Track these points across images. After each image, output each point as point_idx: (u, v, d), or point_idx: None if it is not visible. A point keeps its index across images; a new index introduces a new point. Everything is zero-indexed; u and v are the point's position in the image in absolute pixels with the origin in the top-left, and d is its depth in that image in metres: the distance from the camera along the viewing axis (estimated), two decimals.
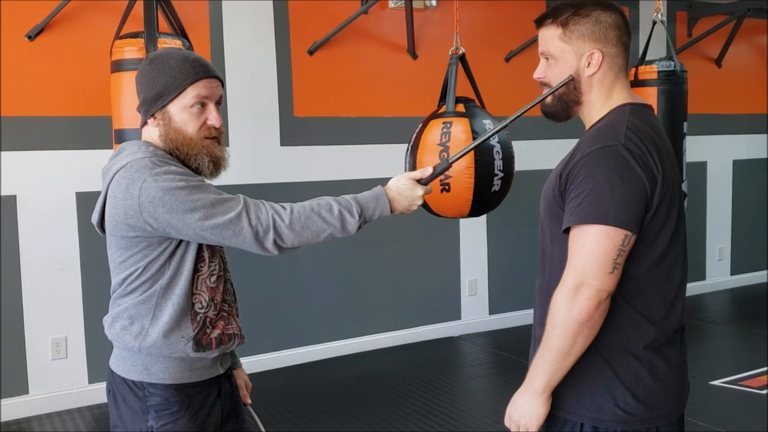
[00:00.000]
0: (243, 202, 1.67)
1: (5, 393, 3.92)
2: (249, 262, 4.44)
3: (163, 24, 3.31)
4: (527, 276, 5.17)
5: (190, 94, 1.71)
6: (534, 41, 5.23)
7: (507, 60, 5.44)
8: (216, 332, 1.76)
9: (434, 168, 1.84)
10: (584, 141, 1.58)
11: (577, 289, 1.46)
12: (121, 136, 3.02)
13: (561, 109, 1.68)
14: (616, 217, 1.46)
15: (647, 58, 4.52)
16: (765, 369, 4.41)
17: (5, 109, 3.87)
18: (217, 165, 1.78)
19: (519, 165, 3.43)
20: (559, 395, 1.56)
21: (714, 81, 6.46)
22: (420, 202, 1.82)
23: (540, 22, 1.67)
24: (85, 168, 4.00)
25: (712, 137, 6.49)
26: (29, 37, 3.89)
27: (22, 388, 3.96)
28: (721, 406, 3.93)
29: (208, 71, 1.75)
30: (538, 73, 1.70)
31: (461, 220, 5.20)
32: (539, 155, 5.25)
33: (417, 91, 4.92)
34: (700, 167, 6.45)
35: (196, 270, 1.73)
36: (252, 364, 4.20)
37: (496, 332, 5.43)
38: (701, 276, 6.62)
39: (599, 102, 1.64)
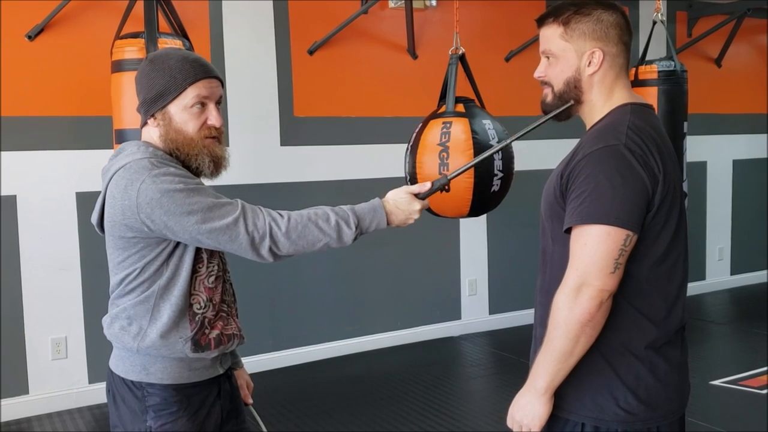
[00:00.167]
0: (241, 207, 1.67)
1: (5, 393, 3.92)
2: (249, 263, 4.43)
3: (163, 24, 3.31)
4: (527, 276, 5.17)
5: (190, 95, 1.71)
6: (534, 41, 5.24)
7: (507, 60, 5.44)
8: (215, 333, 1.76)
9: (432, 183, 1.85)
10: (585, 141, 1.58)
11: (579, 289, 1.46)
12: (121, 136, 3.02)
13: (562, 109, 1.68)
14: (617, 217, 1.46)
15: (647, 57, 4.51)
16: (765, 369, 4.41)
17: (5, 109, 3.87)
18: (218, 165, 1.78)
19: (519, 165, 3.43)
20: (560, 395, 1.56)
21: (714, 81, 6.46)
22: (417, 216, 1.83)
23: (541, 21, 1.67)
24: (84, 168, 4.00)
25: (711, 137, 6.49)
26: (29, 37, 3.89)
27: (22, 388, 3.96)
28: (722, 405, 3.93)
29: (208, 71, 1.75)
30: (538, 72, 1.70)
31: (461, 220, 5.20)
32: (539, 155, 5.25)
33: (417, 91, 4.92)
34: (700, 167, 6.45)
35: (194, 271, 1.73)
36: (252, 364, 4.19)
37: (496, 332, 5.43)
38: (701, 276, 6.62)
39: (600, 101, 1.64)
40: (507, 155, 3.19)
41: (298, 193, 4.62)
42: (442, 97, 3.38)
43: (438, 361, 4.81)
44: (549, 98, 1.69)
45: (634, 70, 4.38)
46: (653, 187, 1.50)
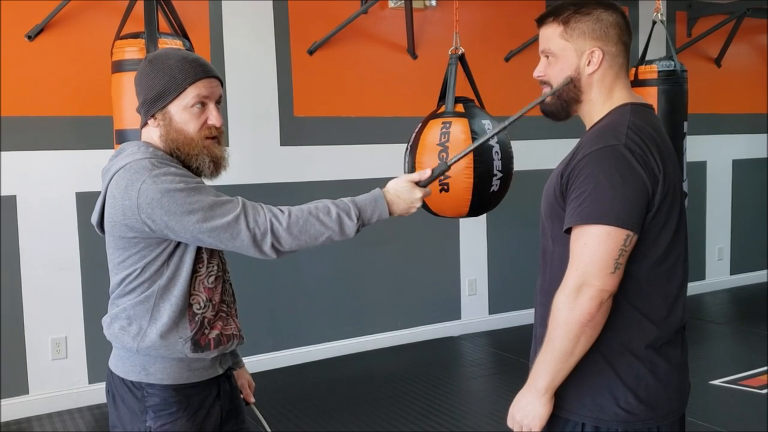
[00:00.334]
0: (241, 205, 1.67)
1: (5, 393, 3.92)
2: (249, 263, 4.42)
3: (163, 24, 3.32)
4: (527, 276, 5.17)
5: (190, 94, 1.71)
6: (534, 41, 5.24)
7: (507, 60, 5.44)
8: (214, 333, 1.76)
9: (433, 170, 1.83)
10: (585, 141, 1.58)
11: (579, 290, 1.46)
12: (122, 137, 3.03)
13: (561, 108, 1.68)
14: (617, 217, 1.46)
15: (647, 57, 4.52)
16: (765, 368, 4.41)
17: (5, 109, 3.87)
18: (218, 165, 1.78)
19: (519, 165, 3.43)
20: (560, 395, 1.56)
21: (713, 81, 6.46)
22: (419, 204, 1.82)
23: (541, 21, 1.67)
24: (84, 168, 4.00)
25: (711, 137, 6.49)
26: (29, 37, 3.89)
27: (22, 388, 3.96)
28: (721, 405, 3.93)
29: (207, 71, 1.75)
30: (538, 71, 1.70)
31: (461, 220, 5.20)
32: (539, 155, 5.26)
33: (416, 91, 4.92)
34: (700, 167, 6.45)
35: (194, 271, 1.73)
36: (252, 364, 4.18)
37: (496, 332, 5.43)
38: (701, 276, 6.62)
39: (600, 101, 1.64)
40: (506, 155, 3.19)
41: (298, 193, 4.62)
42: (442, 97, 3.38)
43: (438, 361, 4.82)
44: (548, 98, 1.69)
45: (634, 69, 4.38)
46: (653, 187, 1.50)
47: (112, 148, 3.34)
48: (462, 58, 3.41)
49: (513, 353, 4.85)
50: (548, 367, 1.51)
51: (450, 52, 3.40)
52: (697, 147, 5.94)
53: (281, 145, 4.68)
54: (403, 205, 1.80)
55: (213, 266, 1.78)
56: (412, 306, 5.21)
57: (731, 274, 6.86)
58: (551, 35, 1.64)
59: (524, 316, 5.31)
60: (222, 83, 1.80)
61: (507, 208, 3.84)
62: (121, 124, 3.09)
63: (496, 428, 3.61)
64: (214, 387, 1.81)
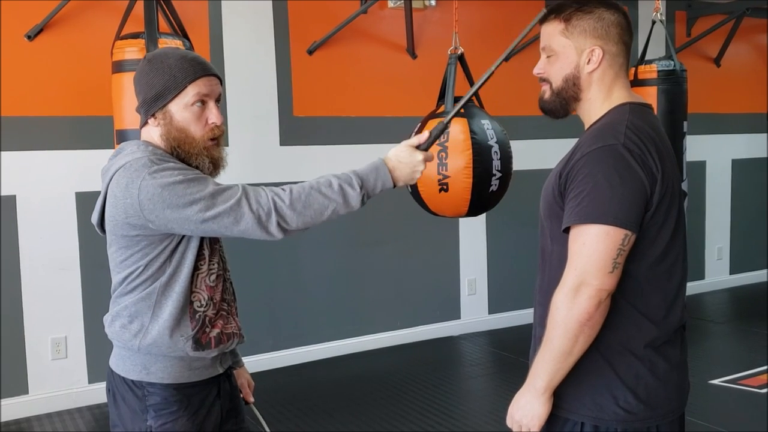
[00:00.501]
0: (242, 189, 1.66)
1: (5, 393, 3.92)
2: (249, 262, 4.45)
3: (163, 24, 3.32)
4: (526, 275, 5.17)
5: (190, 93, 1.72)
6: (534, 41, 5.23)
7: (506, 59, 5.44)
8: (215, 331, 1.76)
9: (431, 132, 1.80)
10: (584, 140, 1.58)
11: (578, 289, 1.46)
12: (122, 137, 3.03)
13: (560, 106, 1.68)
14: (615, 217, 1.46)
15: (647, 57, 4.52)
16: (764, 368, 4.41)
17: (5, 109, 3.87)
18: (217, 166, 1.79)
19: (518, 164, 3.43)
20: (559, 395, 1.56)
21: (713, 80, 6.46)
22: (422, 167, 1.77)
23: (543, 18, 1.68)
24: (84, 168, 4.01)
25: (710, 137, 6.49)
26: (29, 37, 3.89)
27: (22, 388, 3.97)
28: (721, 405, 3.93)
29: (207, 69, 1.76)
30: (538, 68, 1.70)
31: (460, 220, 5.21)
32: (538, 155, 5.26)
33: (416, 91, 4.92)
34: (699, 167, 6.45)
35: (195, 268, 1.74)
36: (252, 363, 4.18)
37: (496, 332, 5.44)
38: (700, 275, 6.63)
39: (599, 100, 1.64)
40: (505, 155, 3.20)
41: None
42: (441, 97, 3.39)
43: (437, 361, 4.82)
44: (547, 95, 1.69)
45: (633, 69, 4.39)
46: (651, 187, 1.50)
47: (113, 148, 3.35)
48: (461, 58, 3.41)
49: (512, 353, 4.85)
50: (547, 367, 1.51)
51: (449, 52, 3.41)
52: (696, 147, 5.94)
53: (281, 144, 4.68)
54: (406, 170, 1.76)
55: (214, 264, 1.78)
56: (411, 306, 5.21)
57: (731, 273, 6.87)
58: (552, 32, 1.65)
59: (524, 316, 5.31)
60: (221, 81, 1.81)
61: (506, 207, 3.84)
62: (121, 124, 3.09)
63: (495, 428, 3.61)
64: (215, 386, 1.82)
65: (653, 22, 4.40)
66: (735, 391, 4.09)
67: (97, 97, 3.92)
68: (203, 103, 1.74)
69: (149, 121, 1.76)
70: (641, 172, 1.49)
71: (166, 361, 1.73)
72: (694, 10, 6.24)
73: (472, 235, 5.42)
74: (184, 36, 3.30)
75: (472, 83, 3.51)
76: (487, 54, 5.19)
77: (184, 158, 1.74)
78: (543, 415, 1.54)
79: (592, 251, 1.46)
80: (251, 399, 2.06)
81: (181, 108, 1.72)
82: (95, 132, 3.99)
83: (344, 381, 4.45)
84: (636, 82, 4.33)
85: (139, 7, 3.20)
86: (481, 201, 3.18)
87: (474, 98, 3.46)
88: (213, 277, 1.77)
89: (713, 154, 6.61)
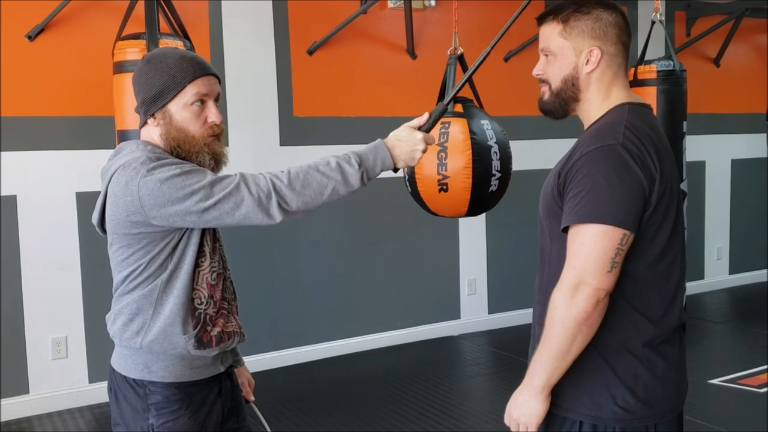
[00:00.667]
0: (240, 175, 1.67)
1: (6, 392, 3.92)
2: (249, 262, 4.46)
3: (163, 24, 3.32)
4: (526, 275, 5.16)
5: (189, 92, 1.72)
6: (533, 41, 5.24)
7: (506, 60, 5.45)
8: (216, 330, 1.77)
9: (430, 113, 1.80)
10: (583, 140, 1.59)
11: (576, 288, 1.47)
12: (124, 137, 3.03)
13: (559, 107, 1.68)
14: (614, 217, 1.46)
15: (646, 57, 4.52)
16: (764, 367, 4.42)
17: (6, 109, 3.87)
18: (218, 161, 1.79)
19: (517, 164, 3.43)
20: (558, 393, 1.57)
21: (712, 80, 6.47)
22: (421, 147, 1.75)
23: (541, 19, 1.69)
24: (85, 168, 4.01)
25: (710, 137, 6.50)
26: (29, 38, 3.90)
27: (22, 388, 3.97)
28: (720, 404, 3.94)
29: (205, 69, 1.76)
30: (537, 70, 1.71)
31: (460, 220, 5.21)
32: (538, 155, 5.27)
33: (416, 91, 4.93)
34: (699, 167, 6.45)
35: (196, 265, 1.74)
36: (252, 363, 4.17)
37: (495, 331, 5.44)
38: (700, 275, 6.63)
39: (598, 100, 1.65)
40: (505, 155, 3.21)
41: None
42: (441, 97, 3.39)
43: (437, 361, 4.83)
44: (546, 96, 1.69)
45: (633, 69, 4.39)
46: (650, 187, 1.51)
47: (113, 148, 3.35)
48: (461, 58, 3.41)
49: (512, 352, 4.86)
50: (545, 365, 1.52)
51: (449, 52, 3.41)
52: (696, 147, 5.95)
53: (281, 145, 4.69)
54: (406, 149, 1.75)
55: (215, 262, 1.79)
56: (411, 305, 5.22)
57: (730, 273, 6.87)
58: (550, 33, 1.65)
59: (523, 316, 5.31)
60: (220, 81, 1.81)
61: (506, 207, 3.85)
62: (123, 125, 3.10)
63: (495, 427, 3.62)
64: (216, 385, 1.82)
65: (653, 23, 4.40)
66: (734, 391, 4.10)
67: (97, 97, 3.93)
68: (202, 102, 1.75)
69: (149, 121, 1.77)
70: (640, 172, 1.50)
71: (168, 360, 1.73)
72: (694, 10, 6.25)
73: (472, 235, 5.42)
74: (185, 36, 3.31)
75: (471, 83, 3.52)
76: None
77: (184, 157, 1.74)
78: (541, 413, 1.55)
79: (591, 251, 1.47)
80: (252, 398, 2.06)
81: (181, 107, 1.73)
82: (95, 132, 4.00)
83: (344, 380, 4.46)
84: (635, 83, 4.33)
85: (140, 8, 3.20)
86: (480, 201, 3.18)
87: (474, 99, 3.47)
88: (214, 275, 1.78)
89: (713, 154, 6.62)
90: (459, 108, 3.25)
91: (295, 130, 4.72)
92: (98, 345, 4.01)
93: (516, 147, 3.45)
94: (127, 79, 2.99)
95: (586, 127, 1.67)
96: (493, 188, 3.16)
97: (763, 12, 6.34)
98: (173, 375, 1.74)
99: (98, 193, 1.77)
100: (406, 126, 1.78)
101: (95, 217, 1.78)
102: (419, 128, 1.78)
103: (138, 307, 1.73)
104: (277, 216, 1.65)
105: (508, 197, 3.34)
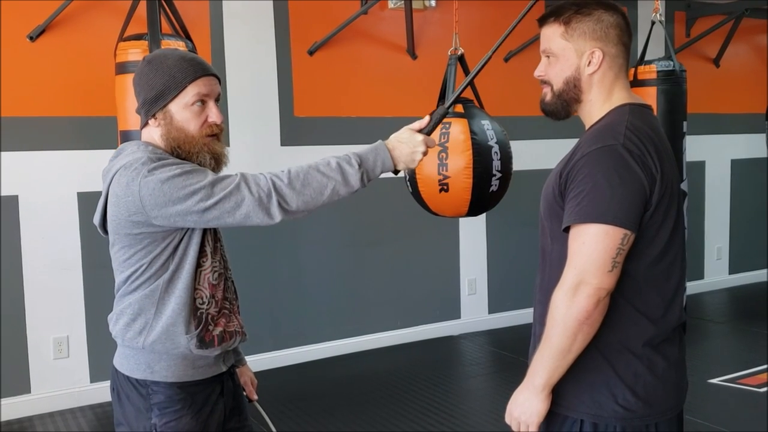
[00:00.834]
0: (240, 174, 1.67)
1: (7, 392, 3.93)
2: (250, 262, 4.47)
3: (165, 25, 3.33)
4: (526, 275, 5.18)
5: (190, 93, 1.73)
6: (533, 41, 5.25)
7: (506, 60, 5.46)
8: (218, 329, 1.78)
9: (431, 116, 1.81)
10: (584, 141, 1.60)
11: (577, 288, 1.48)
12: (127, 138, 3.04)
13: (561, 108, 1.69)
14: (615, 216, 1.47)
15: (646, 58, 4.53)
16: (763, 367, 4.43)
17: (7, 109, 3.88)
18: (219, 161, 1.80)
19: (518, 165, 3.44)
20: (559, 392, 1.58)
21: (712, 81, 6.47)
22: (422, 149, 1.75)
23: (543, 21, 1.69)
24: (86, 168, 4.02)
25: (710, 137, 6.50)
26: (31, 38, 3.91)
27: (24, 388, 3.98)
28: (720, 404, 3.95)
29: (206, 69, 1.77)
30: (538, 71, 1.71)
31: (460, 220, 5.22)
32: (538, 155, 5.28)
33: (416, 92, 4.93)
34: (699, 167, 6.46)
35: (198, 265, 1.75)
36: (253, 363, 4.16)
37: (496, 331, 5.45)
38: (699, 275, 6.64)
39: (599, 101, 1.66)
40: (505, 155, 3.21)
41: None
42: (442, 97, 3.40)
43: (437, 360, 4.83)
44: (548, 97, 1.70)
45: (633, 70, 4.40)
46: (651, 187, 1.52)
47: (115, 148, 3.36)
48: (461, 59, 3.42)
49: (512, 352, 4.87)
50: (546, 364, 1.53)
51: (449, 53, 3.42)
52: (696, 147, 5.95)
53: (282, 145, 4.69)
54: (406, 150, 1.75)
55: (216, 262, 1.80)
56: (412, 305, 5.22)
57: (730, 273, 6.88)
58: (552, 35, 1.66)
59: (523, 316, 5.32)
60: (220, 81, 1.82)
61: (506, 207, 3.86)
62: (125, 125, 3.11)
63: (495, 427, 3.63)
64: (218, 384, 1.83)
65: (652, 23, 4.41)
66: (734, 390, 4.11)
67: (98, 97, 3.93)
68: (203, 102, 1.76)
69: (150, 121, 1.78)
70: (640, 173, 1.50)
71: (170, 360, 1.74)
72: (694, 10, 6.25)
73: (472, 235, 5.43)
74: (187, 37, 3.31)
75: (472, 84, 3.53)
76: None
77: (185, 158, 1.75)
78: (541, 412, 1.55)
79: (592, 250, 1.48)
80: (255, 397, 2.08)
81: (181, 108, 1.74)
82: (97, 132, 4.01)
83: (345, 380, 4.47)
84: (635, 83, 4.34)
85: (142, 8, 3.21)
86: (481, 201, 3.19)
87: (474, 99, 3.47)
88: (215, 275, 1.79)
89: (713, 154, 6.62)
90: (459, 108, 3.26)
91: (295, 130, 4.73)
92: (100, 345, 4.02)
93: (516, 147, 3.45)
94: (129, 79, 3.01)
95: (587, 127, 1.68)
96: (493, 188, 3.17)
97: (763, 12, 6.34)
98: (176, 375, 1.75)
99: (100, 193, 1.78)
100: (407, 128, 1.78)
101: (97, 218, 1.79)
102: (420, 131, 1.78)
103: (140, 307, 1.73)
104: (278, 215, 1.66)
105: (508, 197, 3.35)
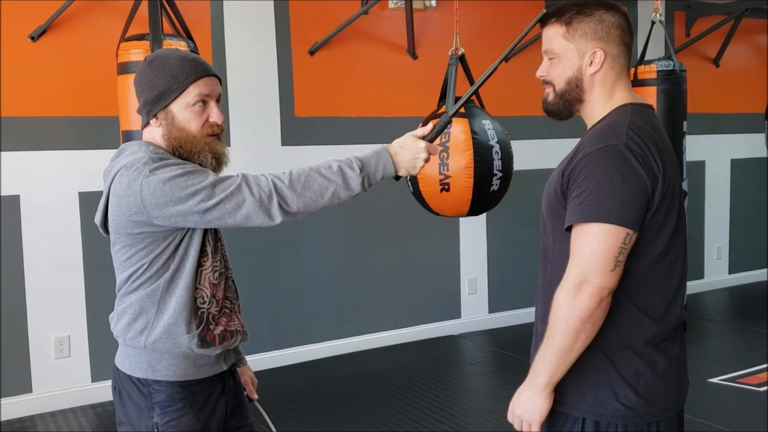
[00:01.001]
0: (241, 175, 1.68)
1: (8, 391, 3.93)
2: (251, 262, 4.47)
3: (167, 25, 3.33)
4: (527, 274, 5.19)
5: (192, 93, 1.74)
6: (534, 41, 5.25)
7: (507, 60, 5.45)
8: (219, 329, 1.78)
9: (434, 125, 1.81)
10: (586, 140, 1.60)
11: (579, 287, 1.48)
12: (129, 138, 3.05)
13: (563, 108, 1.70)
14: (617, 216, 1.48)
15: (646, 57, 4.54)
16: (763, 366, 4.43)
17: (8, 109, 3.88)
18: (219, 161, 1.81)
19: (519, 164, 3.44)
20: (560, 391, 1.58)
21: (712, 80, 6.48)
22: (424, 155, 1.76)
23: (544, 21, 1.70)
24: (87, 168, 4.02)
25: (710, 136, 6.50)
26: (32, 38, 3.91)
27: (25, 387, 3.98)
28: (720, 403, 3.95)
29: (207, 69, 1.78)
30: (540, 72, 1.72)
31: (461, 219, 5.22)
32: (539, 155, 5.28)
33: (417, 92, 4.94)
34: (699, 166, 6.46)
35: (199, 264, 1.75)
36: (253, 362, 4.17)
37: (496, 330, 5.45)
38: (699, 275, 6.64)
39: (601, 101, 1.66)
40: (506, 155, 3.22)
41: None
42: (442, 98, 3.40)
43: (438, 360, 4.84)
44: (550, 98, 1.71)
45: (633, 69, 4.41)
46: (653, 186, 1.52)
47: (116, 148, 3.36)
48: (462, 59, 3.42)
49: (513, 351, 4.87)
50: (548, 363, 1.53)
51: (450, 53, 3.42)
52: (695, 146, 5.96)
53: (282, 145, 4.70)
54: (408, 156, 1.75)
55: (217, 261, 1.80)
56: (412, 305, 5.23)
57: (730, 273, 6.88)
58: (554, 35, 1.67)
59: (524, 315, 5.33)
60: (221, 82, 1.83)
61: (507, 207, 3.86)
62: (127, 125, 3.12)
63: (496, 426, 3.63)
64: (219, 383, 1.84)
65: (652, 23, 4.41)
66: (734, 390, 4.11)
67: (100, 97, 3.94)
68: (204, 102, 1.76)
69: (151, 121, 1.78)
70: (643, 172, 1.51)
71: (171, 359, 1.75)
72: (693, 10, 6.26)
73: (473, 234, 5.43)
74: (189, 37, 3.32)
75: (472, 84, 3.52)
76: (487, 54, 5.19)
77: (186, 157, 1.76)
78: (544, 410, 1.56)
79: (594, 249, 1.48)
80: (255, 396, 2.08)
81: (183, 108, 1.74)
82: (98, 132, 4.01)
83: (345, 380, 4.47)
84: (636, 83, 4.35)
85: (144, 9, 3.22)
86: (482, 201, 3.20)
87: (475, 99, 3.48)
88: (216, 274, 1.79)
89: (712, 153, 6.63)
90: (460, 108, 3.26)
91: (296, 130, 4.73)
92: (101, 344, 4.02)
93: (517, 147, 3.46)
94: (131, 79, 3.02)
95: (589, 127, 1.68)
96: (494, 188, 3.17)
97: (763, 12, 6.35)
98: (177, 374, 1.76)
99: (101, 193, 1.79)
100: (410, 134, 1.79)
101: (98, 218, 1.80)
102: (423, 137, 1.79)
103: (141, 306, 1.74)
104: (278, 217, 1.66)
105: (509, 197, 3.36)
